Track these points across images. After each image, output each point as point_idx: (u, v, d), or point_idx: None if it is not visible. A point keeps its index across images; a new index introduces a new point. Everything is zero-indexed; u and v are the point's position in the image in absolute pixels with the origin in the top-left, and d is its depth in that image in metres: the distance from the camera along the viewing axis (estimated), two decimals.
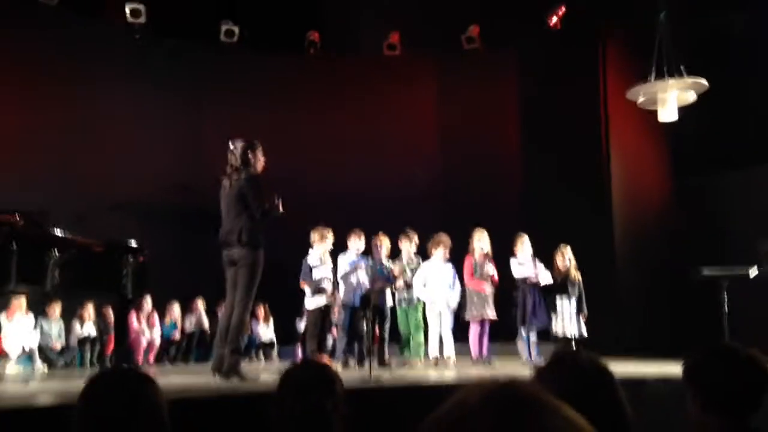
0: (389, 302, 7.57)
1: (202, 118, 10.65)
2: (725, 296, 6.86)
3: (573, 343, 7.25)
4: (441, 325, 7.43)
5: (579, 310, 7.37)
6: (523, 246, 7.54)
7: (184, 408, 3.77)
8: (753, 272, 6.88)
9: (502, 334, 7.74)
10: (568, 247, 7.56)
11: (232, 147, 5.65)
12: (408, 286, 7.53)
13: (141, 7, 9.81)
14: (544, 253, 7.62)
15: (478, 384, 0.79)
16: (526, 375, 1.89)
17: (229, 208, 5.57)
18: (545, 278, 7.39)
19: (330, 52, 10.97)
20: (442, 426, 0.77)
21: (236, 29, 10.47)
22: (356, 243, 7.53)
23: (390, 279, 7.53)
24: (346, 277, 7.39)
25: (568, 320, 7.31)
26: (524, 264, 7.49)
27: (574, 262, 7.51)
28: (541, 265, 7.46)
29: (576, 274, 7.48)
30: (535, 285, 7.42)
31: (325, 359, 6.74)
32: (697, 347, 2.17)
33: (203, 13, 10.50)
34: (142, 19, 9.85)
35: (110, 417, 1.66)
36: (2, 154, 8.85)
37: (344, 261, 7.47)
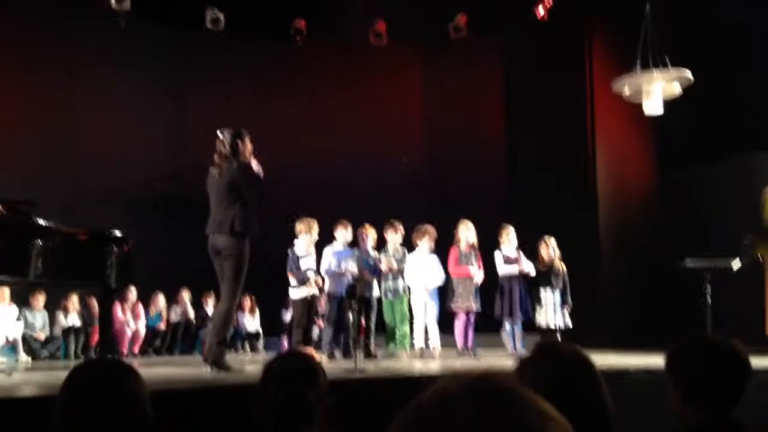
0: (375, 293, 7.59)
1: (187, 106, 10.59)
2: (708, 288, 6.93)
3: (557, 334, 7.29)
4: (426, 315, 7.45)
5: (563, 302, 7.42)
6: (509, 237, 7.56)
7: (169, 399, 3.77)
8: (736, 264, 6.95)
9: (487, 325, 7.76)
10: (553, 239, 7.59)
11: (220, 136, 5.63)
12: (393, 277, 7.53)
13: None
14: (528, 244, 7.65)
15: (459, 374, 0.80)
16: (510, 366, 1.90)
17: (220, 197, 5.53)
18: (528, 269, 7.40)
19: (316, 40, 10.92)
20: (421, 413, 0.78)
21: (222, 16, 10.39)
22: (343, 234, 7.53)
23: (376, 270, 7.55)
24: (332, 268, 7.39)
25: (552, 311, 7.34)
26: (509, 256, 7.51)
27: (558, 253, 7.54)
28: (523, 257, 7.47)
29: (560, 265, 7.52)
30: (519, 276, 7.44)
31: (311, 351, 6.74)
32: (679, 339, 2.19)
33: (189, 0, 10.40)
34: (126, 6, 9.74)
35: (92, 407, 1.65)
36: None
37: (330, 252, 7.47)
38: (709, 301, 6.90)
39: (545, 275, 7.44)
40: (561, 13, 9.94)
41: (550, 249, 7.53)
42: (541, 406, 0.78)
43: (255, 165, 5.60)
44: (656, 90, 7.48)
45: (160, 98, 10.46)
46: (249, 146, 5.66)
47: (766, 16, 8.83)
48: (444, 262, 7.52)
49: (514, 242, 7.58)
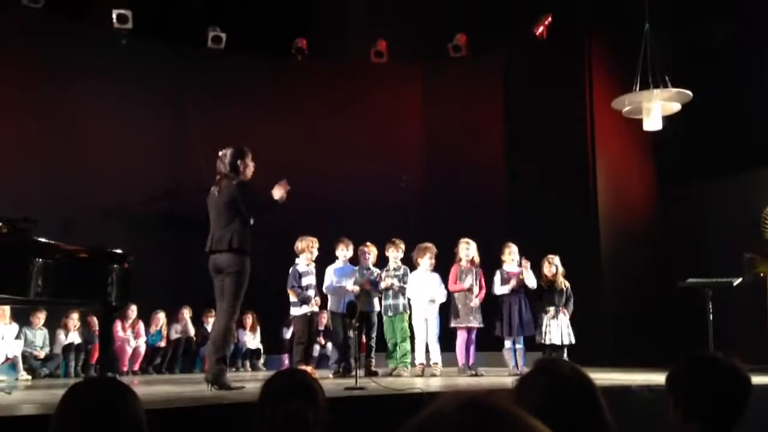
0: (377, 308, 7.59)
1: (188, 124, 10.62)
2: (710, 305, 6.91)
3: (561, 351, 7.25)
4: (427, 333, 7.43)
5: (564, 313, 7.34)
6: (511, 255, 7.52)
7: (168, 417, 3.75)
8: (736, 281, 6.94)
9: (490, 343, 7.73)
10: (557, 257, 7.56)
11: (221, 154, 5.64)
12: (394, 294, 7.53)
13: (128, 12, 9.79)
14: (529, 262, 7.61)
15: (455, 394, 0.80)
16: (510, 384, 1.89)
17: (219, 215, 5.54)
18: (531, 282, 7.37)
19: (317, 58, 11.00)
20: None
21: (223, 35, 10.47)
22: (344, 252, 7.54)
23: (377, 285, 7.56)
24: (333, 286, 7.40)
25: (554, 329, 7.31)
26: (511, 272, 7.47)
27: (561, 270, 7.52)
28: (527, 270, 7.40)
29: (563, 282, 7.48)
30: (520, 293, 7.39)
31: (309, 369, 6.73)
32: (680, 356, 2.18)
33: (190, 18, 10.49)
34: (128, 25, 9.82)
35: (88, 426, 1.65)
36: None
37: (331, 270, 7.49)
38: (711, 318, 6.89)
39: (548, 293, 7.42)
40: (560, 31, 10.02)
41: (552, 266, 7.51)
42: (534, 427, 0.78)
43: (278, 191, 5.57)
44: (656, 108, 7.51)
45: (162, 116, 10.50)
46: (250, 165, 5.67)
47: (765, 33, 8.88)
48: (445, 280, 7.51)
49: (516, 259, 7.54)
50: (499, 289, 7.41)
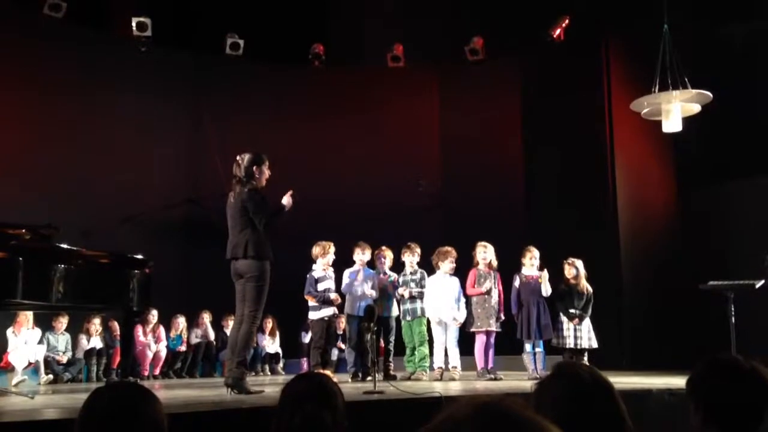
0: (394, 312, 7.60)
1: (206, 130, 10.68)
2: (732, 308, 6.84)
3: (582, 355, 7.22)
4: (447, 337, 7.41)
5: (583, 313, 7.31)
6: (532, 260, 7.49)
7: (188, 422, 3.78)
8: (759, 284, 6.86)
9: (510, 346, 7.71)
10: (579, 260, 7.51)
11: (238, 158, 5.69)
12: (412, 298, 7.52)
13: (147, 20, 9.88)
14: (548, 266, 7.59)
15: (469, 399, 0.81)
16: (529, 388, 1.90)
17: (235, 221, 5.60)
18: (546, 291, 7.34)
19: (334, 64, 11.04)
20: None
21: (241, 42, 10.54)
22: (360, 255, 7.55)
23: (395, 286, 7.56)
24: (350, 288, 7.42)
25: (574, 331, 7.27)
26: (530, 275, 7.44)
27: (584, 273, 7.47)
28: (546, 278, 7.37)
29: (585, 285, 7.44)
30: (539, 297, 7.37)
31: (328, 372, 6.74)
32: (700, 360, 2.17)
33: (209, 26, 10.58)
34: (148, 32, 9.91)
35: (110, 431, 1.67)
36: (9, 169, 8.89)
37: (347, 274, 7.51)
38: (733, 320, 6.81)
39: (569, 296, 7.38)
40: (577, 33, 9.97)
41: (572, 269, 7.46)
42: (548, 431, 0.78)
43: (286, 198, 5.66)
44: (675, 109, 7.45)
45: (180, 123, 10.58)
46: (266, 172, 5.70)
47: None
48: (463, 285, 7.49)
49: (537, 264, 7.51)
50: (518, 292, 7.39)
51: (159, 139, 10.25)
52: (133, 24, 9.88)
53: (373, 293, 7.41)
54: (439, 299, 7.43)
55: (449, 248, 7.59)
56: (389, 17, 11.15)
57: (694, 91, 7.31)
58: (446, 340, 7.43)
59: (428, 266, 7.69)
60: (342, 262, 7.62)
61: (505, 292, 7.51)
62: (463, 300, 7.45)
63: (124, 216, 9.45)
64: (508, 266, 7.60)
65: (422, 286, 7.54)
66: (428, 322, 7.53)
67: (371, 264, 7.70)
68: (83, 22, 9.75)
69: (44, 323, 8.45)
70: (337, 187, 10.46)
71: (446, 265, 7.49)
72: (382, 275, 7.62)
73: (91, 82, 9.77)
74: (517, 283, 7.43)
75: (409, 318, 7.51)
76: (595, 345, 7.28)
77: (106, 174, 9.62)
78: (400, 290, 7.54)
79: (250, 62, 10.74)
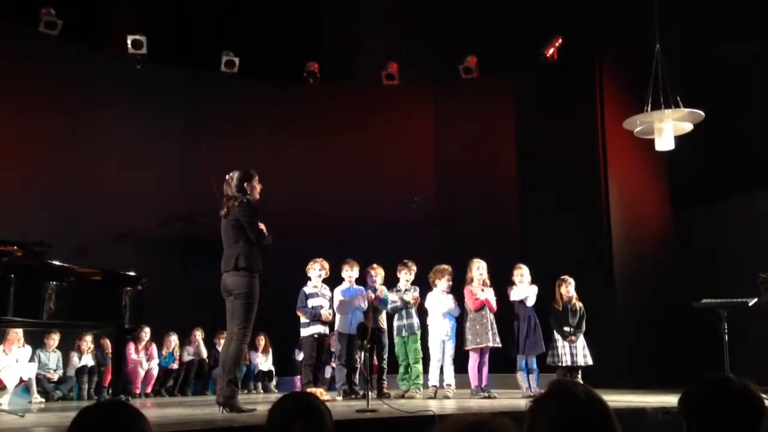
0: (384, 324, 7.59)
1: (201, 147, 10.67)
2: (725, 326, 6.84)
3: (575, 373, 7.22)
4: (443, 354, 7.38)
5: (578, 335, 7.32)
6: (521, 277, 7.51)
7: None
8: (752, 302, 6.87)
9: (502, 364, 7.68)
10: (571, 279, 7.55)
11: (228, 177, 5.72)
12: (408, 314, 7.50)
13: (143, 38, 9.91)
14: (541, 282, 7.60)
15: (456, 419, 0.80)
16: (523, 406, 1.89)
17: (227, 236, 5.61)
18: (530, 302, 7.37)
19: (329, 81, 11.08)
20: None
21: (236, 60, 10.58)
22: (348, 272, 7.52)
23: (386, 303, 7.53)
24: (341, 306, 7.39)
25: (568, 349, 7.28)
26: (521, 295, 7.46)
27: (574, 293, 7.51)
28: (533, 291, 7.41)
29: (577, 304, 7.47)
30: (530, 312, 7.39)
31: (318, 391, 6.71)
32: (693, 378, 2.16)
33: (204, 43, 10.63)
34: (143, 50, 9.94)
35: None
36: (4, 185, 8.87)
37: (338, 291, 7.47)
38: (727, 338, 6.81)
39: (563, 314, 7.41)
40: (570, 52, 10.04)
41: (564, 288, 7.50)
42: None
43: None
44: (668, 128, 7.49)
45: (175, 140, 10.60)
46: (257, 186, 5.73)
47: None
48: (460, 302, 7.47)
49: (528, 280, 7.52)
50: (514, 294, 7.42)
51: (154, 156, 10.25)
52: (129, 42, 9.90)
53: (363, 306, 7.39)
54: (436, 316, 7.42)
55: (446, 266, 7.59)
56: (384, 35, 11.22)
57: (686, 110, 7.36)
58: (442, 358, 7.40)
59: (423, 283, 7.68)
60: (336, 279, 7.59)
61: (499, 309, 7.49)
62: (458, 308, 7.43)
63: (118, 233, 9.43)
64: (502, 284, 7.59)
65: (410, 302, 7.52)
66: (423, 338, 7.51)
67: (361, 281, 7.67)
68: (79, 40, 9.77)
69: (35, 340, 8.38)
70: (331, 204, 10.47)
71: (443, 283, 7.49)
72: (371, 292, 7.58)
73: (87, 100, 9.80)
74: (512, 297, 7.46)
75: (405, 334, 7.49)
76: (590, 362, 7.29)
77: (100, 191, 9.61)
78: (391, 296, 7.51)
79: (245, 80, 10.77)
